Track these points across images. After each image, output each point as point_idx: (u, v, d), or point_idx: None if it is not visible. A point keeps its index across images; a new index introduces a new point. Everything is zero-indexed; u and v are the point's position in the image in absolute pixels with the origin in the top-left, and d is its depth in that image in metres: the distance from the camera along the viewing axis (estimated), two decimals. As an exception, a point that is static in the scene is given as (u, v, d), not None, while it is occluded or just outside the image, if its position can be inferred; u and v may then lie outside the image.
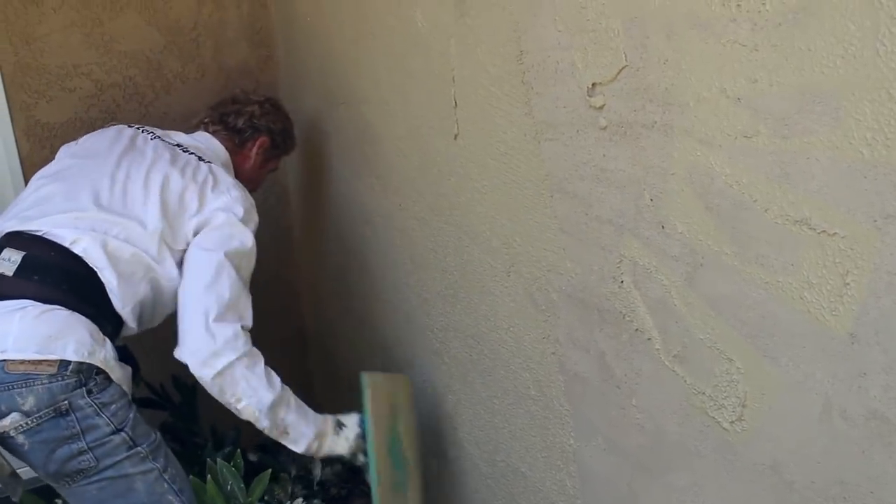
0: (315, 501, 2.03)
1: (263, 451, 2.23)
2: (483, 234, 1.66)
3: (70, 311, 1.62)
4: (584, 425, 1.50)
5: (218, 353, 1.70)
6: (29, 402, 1.53)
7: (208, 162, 1.94)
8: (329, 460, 2.09)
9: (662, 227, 1.19)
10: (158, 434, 1.73)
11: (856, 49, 0.87)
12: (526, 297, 1.57)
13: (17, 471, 1.64)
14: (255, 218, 1.90)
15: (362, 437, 1.88)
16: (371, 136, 2.08)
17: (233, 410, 1.75)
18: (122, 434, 1.62)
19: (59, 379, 1.55)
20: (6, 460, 1.60)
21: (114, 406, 1.62)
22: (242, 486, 1.63)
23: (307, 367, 3.04)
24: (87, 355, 1.58)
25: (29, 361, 1.54)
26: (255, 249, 1.85)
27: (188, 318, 1.73)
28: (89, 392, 1.58)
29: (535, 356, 1.59)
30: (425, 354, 2.06)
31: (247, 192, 1.92)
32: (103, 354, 1.62)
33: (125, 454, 1.62)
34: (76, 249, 1.68)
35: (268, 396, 1.74)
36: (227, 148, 2.12)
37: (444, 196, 1.78)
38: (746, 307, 1.09)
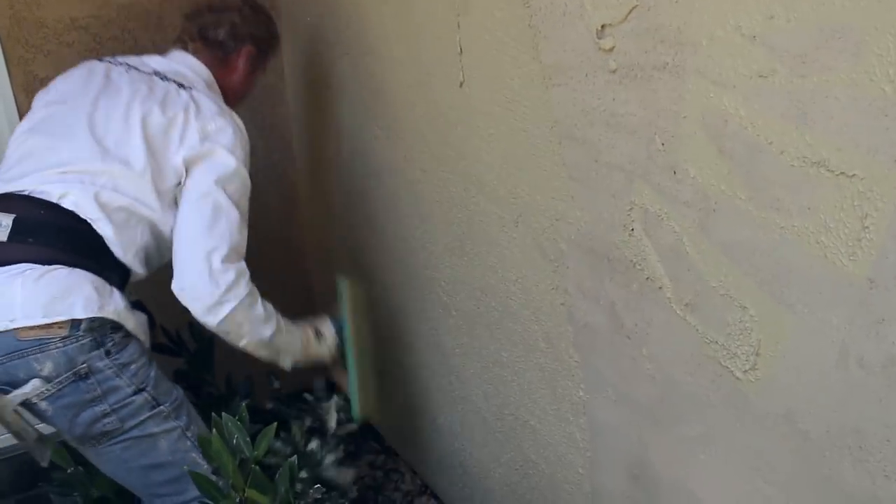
0: (325, 451, 2.02)
1: (278, 401, 2.22)
2: (490, 184, 1.63)
3: (70, 269, 1.57)
4: (593, 377, 1.48)
5: (222, 301, 1.68)
6: (47, 368, 1.52)
7: (189, 88, 1.82)
8: (340, 422, 2.13)
9: (674, 172, 1.16)
10: (180, 391, 1.72)
11: (879, -21, 0.83)
12: (534, 247, 1.54)
13: (39, 428, 1.63)
14: (245, 144, 1.80)
15: (339, 340, 2.04)
16: (375, 86, 2.04)
17: (233, 345, 1.78)
18: (145, 394, 1.61)
19: (74, 340, 1.52)
20: (32, 426, 1.59)
21: (134, 366, 1.61)
22: (248, 439, 1.62)
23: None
24: (97, 310, 1.55)
25: (39, 326, 1.51)
26: (247, 177, 1.78)
27: (189, 263, 1.69)
28: (108, 353, 1.57)
29: (544, 307, 1.56)
30: (433, 308, 2.04)
31: (234, 118, 1.81)
32: (113, 306, 1.59)
33: (148, 413, 1.62)
34: (66, 204, 1.61)
35: (267, 332, 1.79)
36: (209, 64, 1.97)
37: (450, 146, 1.74)
38: (761, 253, 1.06)
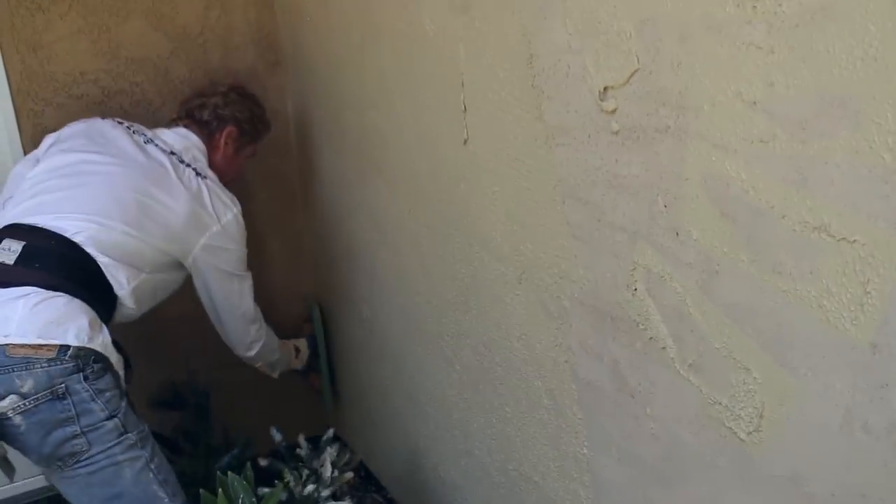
0: (322, 489, 2.02)
1: (274, 456, 2.22)
2: (494, 241, 1.64)
3: (70, 298, 1.69)
4: (597, 434, 1.48)
5: (252, 343, 2.31)
6: (28, 385, 1.60)
7: (204, 177, 2.04)
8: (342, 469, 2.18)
9: (677, 233, 1.16)
10: (146, 426, 1.80)
11: (876, 51, 0.84)
12: (538, 305, 1.54)
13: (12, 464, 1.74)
14: (242, 229, 2.12)
15: (314, 355, 2.80)
16: (379, 140, 2.06)
17: (250, 364, 2.40)
18: (115, 420, 1.69)
19: (58, 363, 1.62)
20: (1, 443, 1.66)
21: (108, 394, 1.69)
22: (254, 499, 1.61)
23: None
24: (87, 340, 1.66)
25: (30, 346, 1.60)
26: (245, 250, 2.16)
27: (231, 325, 2.24)
28: (86, 378, 1.65)
29: (548, 364, 1.56)
30: (436, 361, 2.04)
31: (234, 201, 2.09)
32: (101, 339, 1.71)
33: (116, 440, 1.69)
34: (77, 239, 1.75)
35: (275, 356, 2.47)
36: (205, 143, 2.19)
37: (453, 203, 1.75)
38: (763, 315, 1.06)
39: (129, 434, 1.71)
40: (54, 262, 1.72)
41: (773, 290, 1.04)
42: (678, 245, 1.17)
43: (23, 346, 1.60)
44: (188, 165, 2.04)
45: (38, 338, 1.62)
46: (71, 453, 1.65)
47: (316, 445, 2.21)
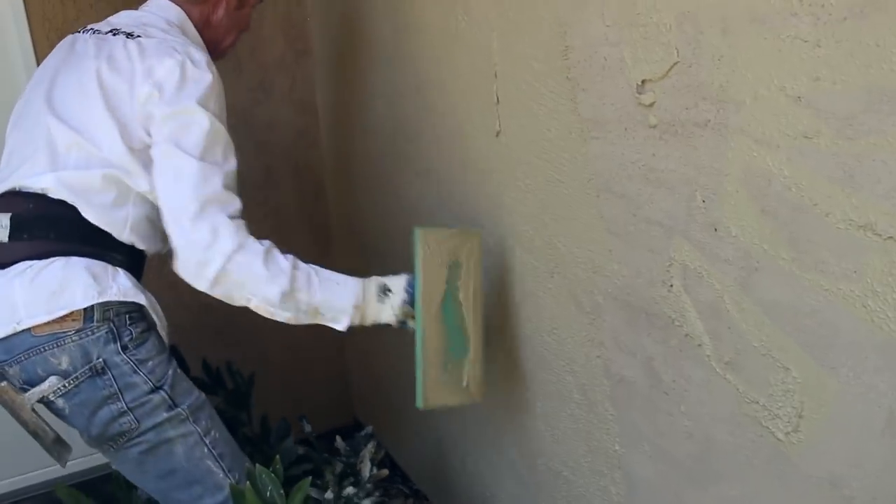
0: (361, 495, 2.00)
1: (309, 445, 2.21)
2: (526, 234, 1.62)
3: (66, 259, 1.54)
4: (629, 431, 1.46)
5: (204, 261, 1.51)
6: (64, 362, 1.51)
7: (137, 36, 1.65)
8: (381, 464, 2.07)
9: (715, 229, 1.14)
10: (201, 394, 1.67)
11: (929, 45, 0.82)
12: (570, 299, 1.53)
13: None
14: (198, 77, 1.59)
15: (410, 302, 1.64)
16: (410, 131, 2.05)
17: (246, 307, 1.60)
18: (161, 393, 1.58)
19: (89, 333, 1.52)
20: (49, 426, 1.57)
21: (151, 363, 1.58)
22: (282, 492, 1.61)
23: (346, 369, 3.02)
24: (96, 296, 1.52)
25: (51, 322, 1.50)
26: (202, 114, 1.56)
27: (168, 229, 1.55)
28: (125, 348, 1.55)
29: (579, 359, 1.55)
30: (465, 354, 2.03)
31: (187, 54, 1.60)
32: (116, 288, 1.56)
33: (165, 415, 1.58)
34: (50, 194, 1.56)
35: (273, 290, 1.55)
36: (185, 6, 1.79)
37: (485, 194, 1.74)
38: (804, 314, 1.04)
39: (180, 408, 1.60)
40: (39, 226, 1.56)
41: (815, 289, 1.02)
42: (716, 241, 1.15)
43: (43, 324, 1.50)
44: (121, 33, 1.68)
45: (47, 314, 1.50)
46: (120, 433, 1.57)
47: (345, 437, 2.21)
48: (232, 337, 2.66)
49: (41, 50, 2.22)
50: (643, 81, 1.21)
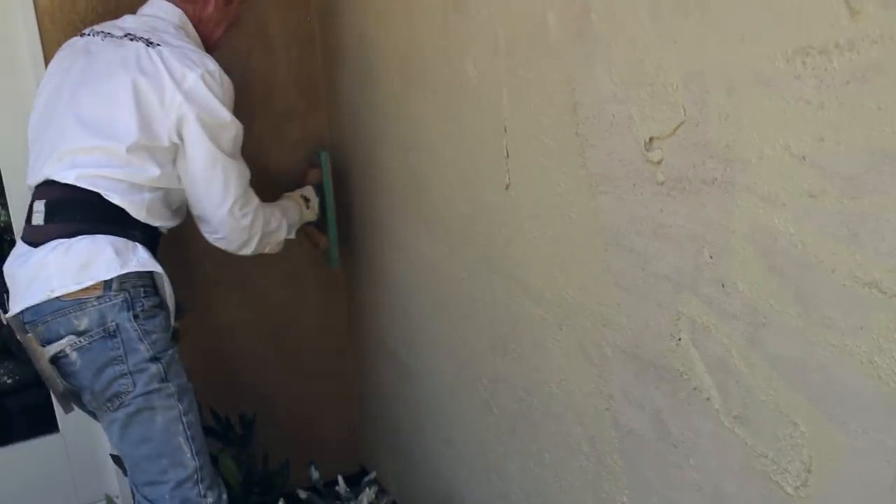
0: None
1: (313, 490, 2.22)
2: (535, 286, 1.64)
3: (92, 237, 1.76)
4: (638, 483, 1.47)
5: (250, 238, 2.04)
6: (84, 323, 1.73)
7: (156, 45, 1.85)
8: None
9: (723, 285, 1.16)
10: (187, 381, 1.87)
11: (929, 110, 0.85)
12: (578, 351, 1.54)
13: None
14: (219, 84, 1.87)
15: (321, 204, 2.47)
16: (419, 182, 2.08)
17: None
18: (159, 364, 1.79)
19: (108, 300, 1.74)
20: (61, 379, 1.76)
21: (155, 335, 1.80)
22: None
23: (353, 416, 3.02)
24: (119, 268, 1.75)
25: (75, 291, 1.72)
26: (230, 119, 1.89)
27: (216, 219, 1.97)
28: (136, 317, 1.77)
29: (588, 411, 1.56)
30: (474, 404, 2.04)
31: (203, 63, 1.85)
32: (136, 261, 1.79)
33: (156, 385, 1.79)
34: (79, 183, 1.77)
35: (283, 233, 2.19)
36: (180, 4, 2.00)
37: (494, 246, 1.76)
38: (812, 369, 1.05)
39: (169, 383, 1.80)
40: (69, 209, 1.79)
41: (822, 345, 1.03)
42: (724, 296, 1.16)
43: (70, 293, 1.72)
44: (138, 40, 1.87)
45: (77, 284, 1.72)
46: (117, 393, 1.76)
47: (352, 485, 2.21)
48: (238, 386, 2.67)
49: (49, 45, 2.22)
50: (651, 139, 1.24)
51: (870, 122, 0.91)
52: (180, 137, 1.84)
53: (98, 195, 1.78)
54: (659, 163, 1.23)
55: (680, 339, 1.27)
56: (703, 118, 1.13)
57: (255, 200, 2.03)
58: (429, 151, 1.99)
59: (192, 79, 1.81)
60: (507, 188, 1.66)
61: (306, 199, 2.40)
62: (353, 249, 2.67)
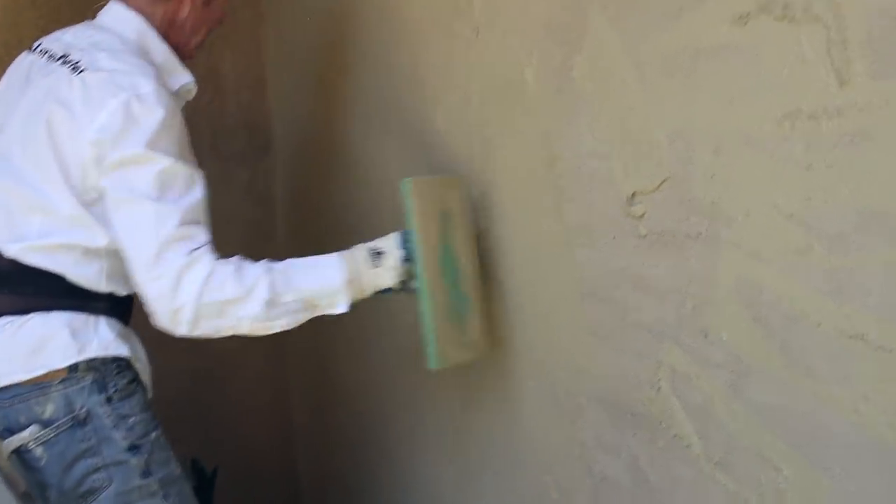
0: None
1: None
2: (504, 337, 1.66)
3: (46, 315, 1.52)
4: (610, 530, 1.49)
5: (176, 308, 1.45)
6: (48, 411, 1.50)
7: (83, 71, 1.52)
8: None
9: (705, 335, 1.20)
10: (178, 468, 1.63)
11: (917, 174, 0.91)
12: (550, 399, 1.57)
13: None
14: (146, 111, 1.48)
15: (407, 259, 1.54)
16: (379, 231, 2.08)
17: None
18: (138, 456, 1.55)
19: (74, 382, 1.52)
20: (22, 478, 1.55)
21: (132, 419, 1.56)
22: None
23: (293, 459, 2.98)
24: (76, 355, 1.51)
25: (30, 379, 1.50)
26: (149, 153, 1.47)
27: (133, 278, 1.51)
28: (109, 400, 1.54)
29: (558, 459, 1.58)
30: (435, 453, 2.04)
31: (134, 87, 1.49)
32: (96, 342, 1.54)
33: (137, 482, 1.55)
34: (20, 260, 1.53)
35: (255, 306, 1.47)
36: (146, 9, 1.66)
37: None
38: (796, 417, 1.10)
39: (151, 478, 1.55)
40: (17, 282, 1.53)
41: (806, 393, 1.08)
42: (707, 346, 1.21)
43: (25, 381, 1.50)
44: (68, 63, 1.55)
45: (27, 372, 1.50)
46: (91, 489, 1.53)
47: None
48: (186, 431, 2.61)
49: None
50: (633, 194, 1.28)
51: (857, 184, 0.97)
52: (105, 187, 1.50)
53: (46, 271, 1.53)
54: (641, 217, 1.28)
55: (660, 388, 1.31)
56: (689, 175, 1.18)
57: (183, 261, 1.46)
58: (392, 195, 1.99)
59: (111, 107, 1.47)
60: (476, 239, 1.69)
61: (377, 254, 1.56)
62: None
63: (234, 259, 1.51)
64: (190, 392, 2.64)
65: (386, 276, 1.54)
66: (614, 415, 1.41)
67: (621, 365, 1.38)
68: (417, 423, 2.09)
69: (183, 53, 1.73)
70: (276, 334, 1.56)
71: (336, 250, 1.58)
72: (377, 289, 1.56)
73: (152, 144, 1.48)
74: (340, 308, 1.53)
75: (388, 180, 1.99)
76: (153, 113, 1.49)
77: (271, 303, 1.48)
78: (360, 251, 1.56)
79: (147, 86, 1.50)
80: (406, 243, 1.54)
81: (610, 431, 1.43)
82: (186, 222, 1.48)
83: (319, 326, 2.51)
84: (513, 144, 1.54)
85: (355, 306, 1.54)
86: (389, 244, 1.56)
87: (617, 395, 1.40)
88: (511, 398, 1.68)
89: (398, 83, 1.89)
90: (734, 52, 1.09)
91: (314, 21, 2.31)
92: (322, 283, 1.52)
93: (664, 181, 1.22)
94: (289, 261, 1.55)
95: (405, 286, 1.56)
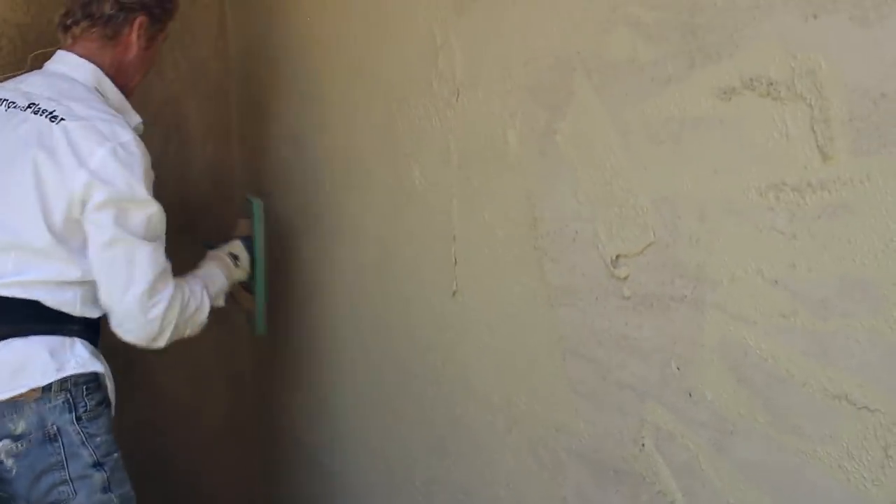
0: None
1: None
2: (481, 391, 1.68)
3: (25, 339, 1.65)
4: (590, 585, 1.51)
5: (160, 333, 1.74)
6: (20, 427, 1.62)
7: (61, 120, 1.64)
8: None
9: (690, 394, 1.24)
10: (131, 489, 1.77)
11: (896, 244, 0.96)
12: (530, 454, 1.59)
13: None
14: (133, 159, 1.65)
15: (251, 260, 2.14)
16: (356, 285, 2.10)
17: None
18: (102, 472, 1.69)
19: (47, 401, 1.64)
20: None
21: (99, 439, 1.69)
22: None
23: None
24: (55, 373, 1.64)
25: (11, 397, 1.62)
26: (142, 197, 1.66)
27: (120, 311, 1.69)
28: (78, 419, 1.66)
29: (538, 513, 1.60)
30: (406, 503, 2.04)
31: (115, 136, 1.65)
32: (74, 361, 1.68)
33: (98, 497, 1.69)
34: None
35: (203, 315, 1.86)
36: (97, 53, 1.80)
37: (437, 350, 1.80)
38: (781, 473, 1.14)
39: (112, 494, 1.70)
40: None
41: (791, 451, 1.12)
42: (691, 405, 1.24)
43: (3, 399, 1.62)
44: (41, 113, 1.67)
45: (10, 391, 1.62)
46: (57, 501, 1.66)
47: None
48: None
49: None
50: (617, 256, 1.33)
51: (840, 253, 1.02)
52: (80, 218, 1.64)
53: (23, 299, 1.65)
54: (625, 279, 1.32)
55: (644, 445, 1.34)
56: (674, 240, 1.23)
57: (170, 287, 1.72)
58: (375, 251, 2.02)
59: (100, 155, 1.61)
60: (454, 294, 1.71)
61: (234, 257, 2.07)
62: (279, 346, 2.64)
63: (186, 278, 1.85)
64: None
65: (241, 272, 2.10)
66: (596, 471, 1.44)
67: (603, 422, 1.41)
68: (387, 475, 2.09)
69: (126, 93, 1.89)
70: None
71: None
72: (236, 281, 2.09)
73: (141, 188, 1.67)
74: (222, 302, 1.98)
75: (363, 231, 2.01)
76: (134, 156, 1.66)
77: (209, 310, 1.88)
78: (226, 257, 2.06)
79: (126, 135, 1.68)
80: (252, 249, 2.14)
81: (591, 487, 1.46)
82: (163, 255, 1.74)
83: (286, 386, 2.52)
84: (493, 204, 1.57)
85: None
86: (240, 250, 2.11)
87: (600, 451, 1.43)
88: (488, 450, 1.70)
89: (372, 139, 1.92)
90: (719, 125, 1.14)
91: (284, 77, 2.33)
92: (220, 285, 1.97)
93: (649, 245, 1.27)
94: (202, 271, 1.95)
95: (250, 280, 2.15)
